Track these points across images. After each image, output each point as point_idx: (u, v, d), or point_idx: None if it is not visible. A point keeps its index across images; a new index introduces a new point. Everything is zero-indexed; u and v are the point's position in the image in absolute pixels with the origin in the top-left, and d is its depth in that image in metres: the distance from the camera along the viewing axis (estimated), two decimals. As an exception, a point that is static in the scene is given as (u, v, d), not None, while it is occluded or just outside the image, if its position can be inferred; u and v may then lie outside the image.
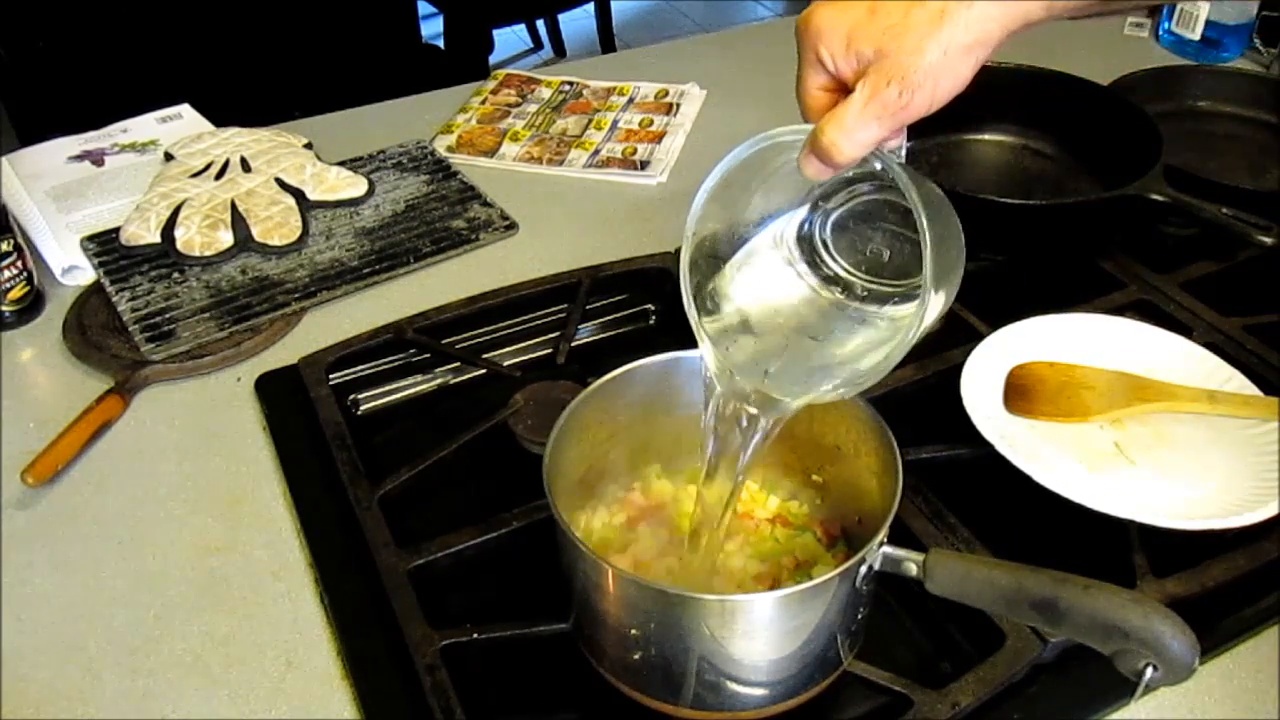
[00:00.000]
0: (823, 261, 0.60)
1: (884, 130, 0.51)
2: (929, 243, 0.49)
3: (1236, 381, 0.77)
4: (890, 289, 0.58)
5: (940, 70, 0.49)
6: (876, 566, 0.55)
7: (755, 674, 0.57)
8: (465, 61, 2.30)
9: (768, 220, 0.59)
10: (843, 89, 0.52)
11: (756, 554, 0.65)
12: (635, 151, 1.15)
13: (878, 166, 0.53)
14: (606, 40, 3.19)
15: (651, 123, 1.21)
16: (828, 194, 0.58)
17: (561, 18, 3.24)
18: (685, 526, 0.65)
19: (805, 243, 0.60)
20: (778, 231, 0.60)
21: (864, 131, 0.50)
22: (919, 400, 0.79)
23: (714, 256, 0.59)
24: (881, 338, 0.57)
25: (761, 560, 0.65)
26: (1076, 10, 0.53)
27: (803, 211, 0.59)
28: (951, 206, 0.54)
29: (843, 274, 0.60)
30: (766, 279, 0.60)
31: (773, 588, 0.63)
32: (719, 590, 0.63)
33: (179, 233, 0.95)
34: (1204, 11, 1.32)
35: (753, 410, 0.58)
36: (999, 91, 1.02)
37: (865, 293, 0.59)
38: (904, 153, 0.55)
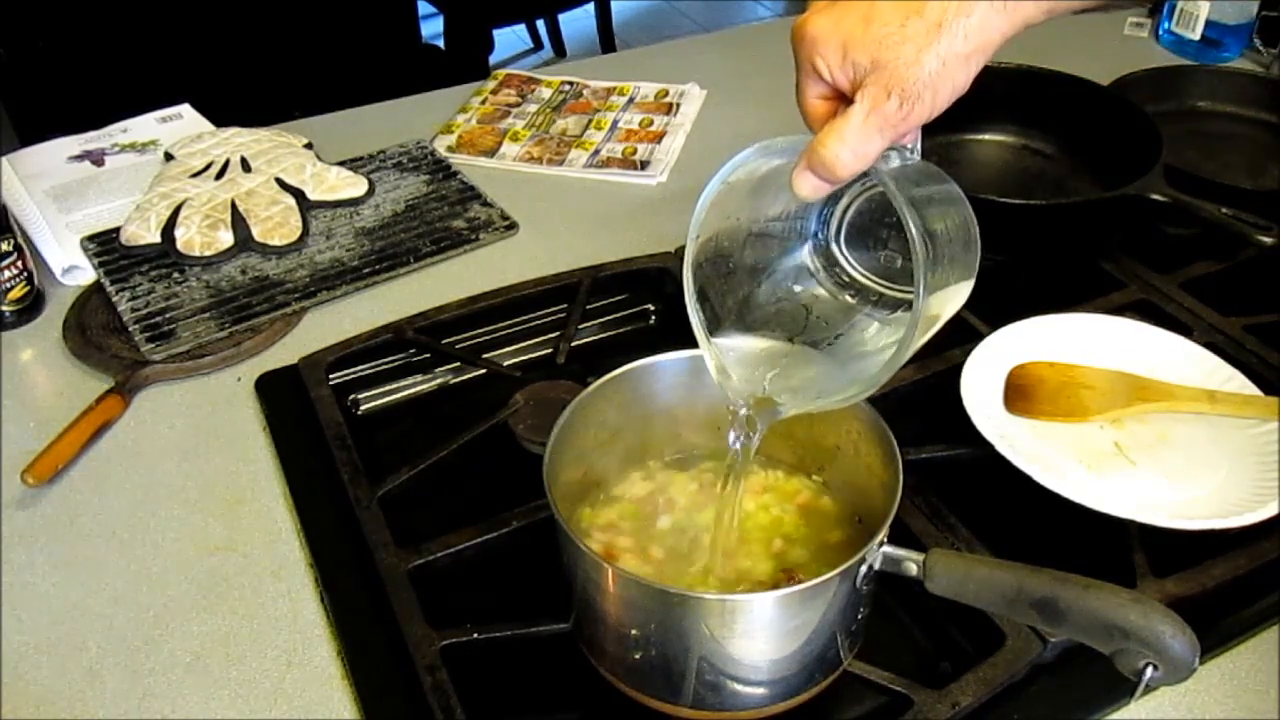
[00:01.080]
0: (836, 265, 0.59)
1: (886, 142, 0.50)
2: (921, 262, 0.48)
3: (1236, 381, 0.77)
4: (904, 294, 0.57)
5: (939, 80, 0.49)
6: (876, 566, 0.56)
7: (755, 674, 0.57)
8: (465, 61, 2.30)
9: (773, 222, 0.59)
10: (842, 97, 0.52)
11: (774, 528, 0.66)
12: (635, 151, 1.15)
13: (881, 170, 0.52)
14: (606, 40, 3.19)
15: (651, 123, 1.21)
16: (839, 192, 0.58)
17: (561, 18, 3.24)
18: (688, 521, 0.66)
19: (819, 246, 0.60)
20: (788, 234, 0.60)
21: (866, 145, 0.49)
22: (919, 400, 0.79)
23: (719, 257, 0.59)
24: (890, 343, 0.56)
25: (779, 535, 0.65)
26: (1076, 6, 0.53)
27: (814, 212, 0.59)
28: (963, 200, 0.54)
29: (859, 278, 0.59)
30: (774, 283, 0.60)
31: (783, 552, 0.64)
32: (737, 568, 0.63)
33: (179, 233, 0.95)
34: (1204, 11, 1.32)
35: (746, 412, 0.58)
36: (999, 91, 1.02)
37: (878, 297, 0.59)
38: (918, 147, 0.54)
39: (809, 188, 0.52)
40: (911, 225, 0.49)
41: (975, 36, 0.49)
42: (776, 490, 0.69)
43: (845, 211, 0.59)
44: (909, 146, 0.54)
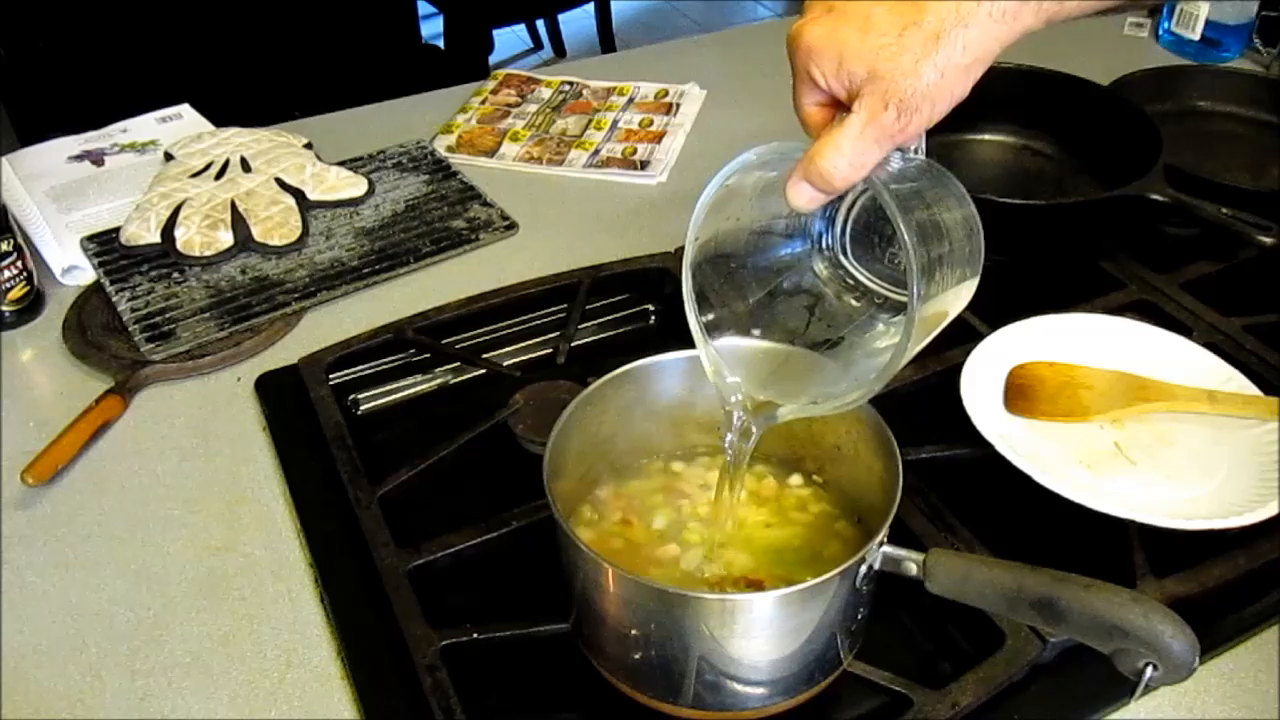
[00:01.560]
0: (841, 268, 0.59)
1: (883, 152, 0.49)
2: (914, 269, 0.48)
3: (1236, 382, 0.77)
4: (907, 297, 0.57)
5: (938, 91, 0.48)
6: (876, 566, 0.56)
7: (755, 673, 0.57)
8: (465, 61, 2.30)
9: (776, 221, 0.59)
10: (839, 103, 0.51)
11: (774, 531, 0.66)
12: (635, 151, 1.15)
13: (873, 184, 0.52)
14: (606, 40, 3.19)
15: (651, 123, 1.21)
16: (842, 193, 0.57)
17: (561, 18, 3.24)
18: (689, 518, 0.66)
19: (823, 248, 0.60)
20: (791, 235, 0.60)
21: (863, 156, 0.49)
22: (919, 400, 0.79)
23: (720, 258, 0.58)
24: (890, 346, 0.56)
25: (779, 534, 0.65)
26: (1075, 12, 0.53)
27: (818, 213, 0.58)
28: (966, 198, 0.53)
29: (863, 280, 0.59)
30: (776, 285, 0.60)
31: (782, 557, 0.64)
32: (735, 568, 0.63)
33: (179, 233, 0.95)
34: (1204, 11, 1.32)
35: (741, 415, 0.58)
36: (999, 91, 1.01)
37: (882, 300, 0.58)
38: (923, 146, 0.54)
39: (804, 198, 0.51)
40: (904, 230, 0.48)
41: (974, 47, 0.48)
42: (776, 490, 0.69)
43: (850, 212, 0.58)
44: (912, 145, 0.53)
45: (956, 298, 0.54)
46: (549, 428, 0.60)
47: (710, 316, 0.59)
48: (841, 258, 0.59)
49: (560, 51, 3.35)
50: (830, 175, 0.49)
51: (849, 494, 0.66)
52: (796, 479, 0.69)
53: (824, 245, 0.59)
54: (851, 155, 0.49)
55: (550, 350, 0.89)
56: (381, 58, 1.82)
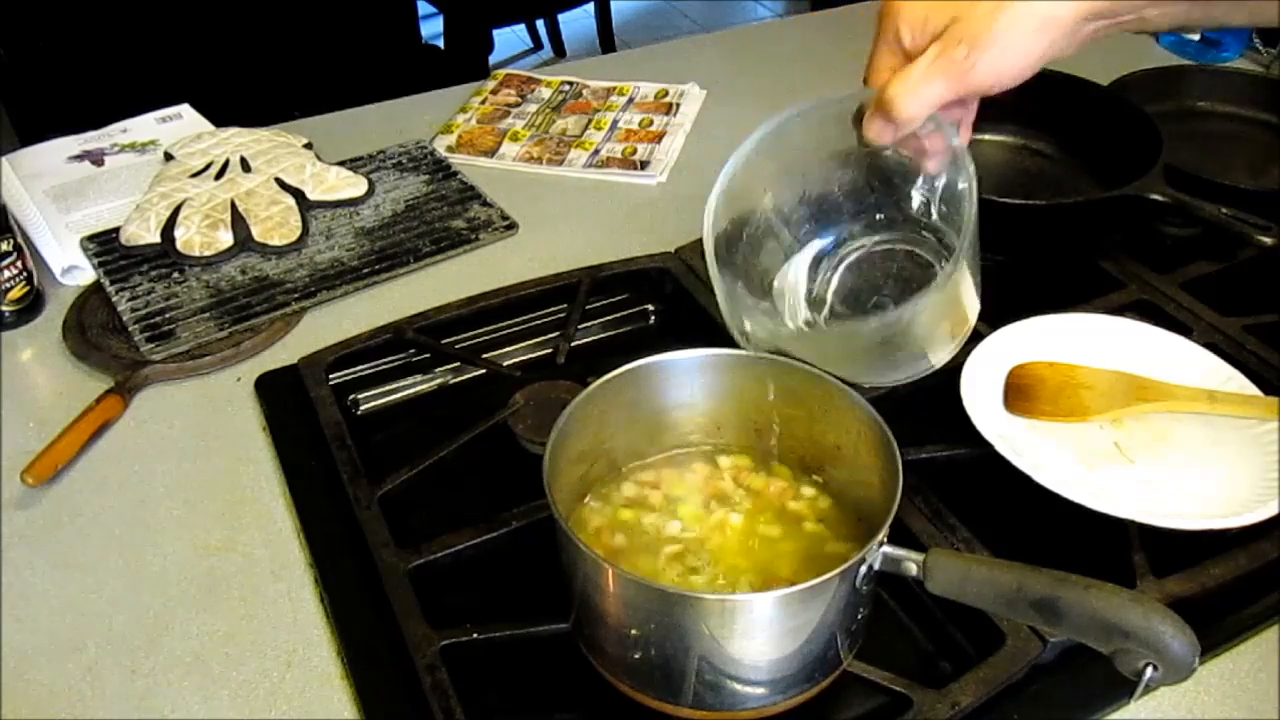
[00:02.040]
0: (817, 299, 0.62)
1: (947, 91, 0.53)
2: (971, 220, 0.51)
3: (1236, 382, 0.77)
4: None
5: (1008, 37, 0.51)
6: (876, 566, 0.56)
7: (755, 673, 0.57)
8: (465, 61, 2.31)
9: (796, 189, 0.61)
10: None
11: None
12: (635, 151, 1.15)
13: (955, 143, 0.55)
14: (606, 40, 3.19)
15: (651, 123, 1.21)
16: (853, 235, 0.60)
17: (561, 18, 3.25)
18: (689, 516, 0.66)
19: (814, 271, 0.62)
20: (796, 241, 0.61)
21: (928, 88, 0.53)
22: (919, 400, 0.78)
23: (734, 223, 0.61)
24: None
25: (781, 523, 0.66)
26: (1152, 9, 0.54)
27: (825, 232, 0.61)
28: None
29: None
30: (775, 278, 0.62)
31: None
32: (736, 567, 0.63)
33: (179, 233, 0.95)
34: (1204, 11, 1.32)
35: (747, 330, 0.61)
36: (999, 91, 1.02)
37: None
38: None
39: (874, 130, 0.55)
40: (971, 168, 0.53)
41: (1047, 4, 0.51)
42: (777, 491, 0.69)
43: (849, 256, 0.61)
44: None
45: (969, 294, 0.55)
46: (549, 428, 0.60)
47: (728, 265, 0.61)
48: (826, 295, 0.61)
49: (560, 51, 3.35)
50: (891, 103, 0.53)
51: (849, 494, 0.66)
52: (797, 479, 0.69)
53: (822, 271, 0.61)
54: (917, 85, 0.53)
55: (550, 350, 0.89)
56: (381, 58, 1.82)
